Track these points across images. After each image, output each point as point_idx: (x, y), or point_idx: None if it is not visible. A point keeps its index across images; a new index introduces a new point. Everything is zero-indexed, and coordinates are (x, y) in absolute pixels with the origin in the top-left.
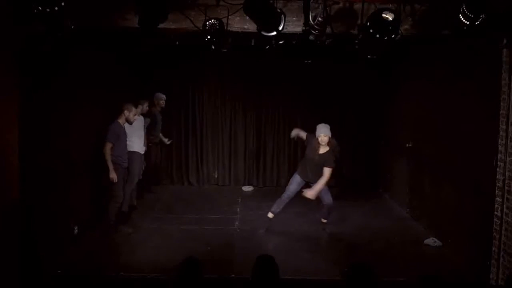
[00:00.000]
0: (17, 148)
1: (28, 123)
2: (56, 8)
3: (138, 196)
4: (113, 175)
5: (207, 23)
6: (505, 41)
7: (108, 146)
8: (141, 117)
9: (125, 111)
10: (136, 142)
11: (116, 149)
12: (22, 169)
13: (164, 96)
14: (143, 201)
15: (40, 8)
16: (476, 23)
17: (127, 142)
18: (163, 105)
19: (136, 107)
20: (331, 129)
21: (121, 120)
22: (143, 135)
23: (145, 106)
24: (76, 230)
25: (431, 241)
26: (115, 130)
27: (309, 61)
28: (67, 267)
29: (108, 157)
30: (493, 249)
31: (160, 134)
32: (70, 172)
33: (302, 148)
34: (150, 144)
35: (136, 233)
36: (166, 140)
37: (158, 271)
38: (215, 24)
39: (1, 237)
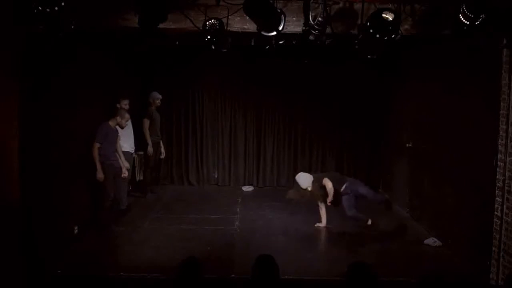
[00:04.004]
0: (17, 149)
1: (28, 123)
2: (56, 8)
3: (140, 196)
4: (100, 175)
5: (207, 23)
6: (505, 41)
7: (96, 146)
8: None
9: (118, 117)
10: (126, 142)
11: (104, 149)
12: (22, 170)
13: (160, 96)
14: (143, 201)
15: (40, 8)
16: (476, 23)
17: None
18: (159, 105)
19: (119, 102)
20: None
21: (112, 123)
22: (132, 134)
23: (123, 104)
24: (76, 230)
25: (431, 241)
26: (104, 131)
27: (306, 61)
28: (67, 267)
29: (96, 157)
30: (493, 249)
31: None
32: (70, 172)
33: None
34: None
35: (136, 233)
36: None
37: (158, 271)
38: (215, 24)
39: (1, 237)
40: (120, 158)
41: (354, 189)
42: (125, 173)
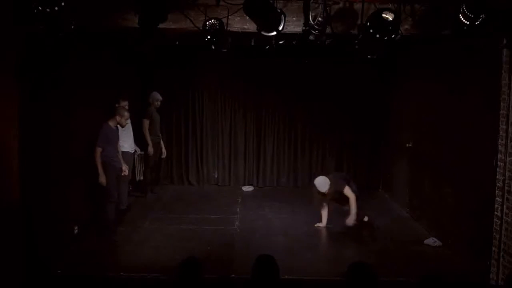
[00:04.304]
0: (17, 149)
1: (28, 123)
2: (56, 8)
3: (140, 196)
4: (102, 179)
5: (207, 23)
6: (505, 41)
7: (98, 150)
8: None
9: (117, 116)
10: (126, 142)
11: (107, 151)
12: (22, 170)
13: (161, 97)
14: (143, 201)
15: (40, 8)
16: (476, 23)
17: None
18: (158, 106)
19: (118, 103)
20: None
21: (112, 123)
22: (131, 134)
23: (123, 105)
24: (76, 230)
25: (431, 241)
26: (105, 134)
27: (306, 61)
28: (67, 267)
29: (98, 162)
30: (493, 249)
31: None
32: (70, 172)
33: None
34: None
35: (136, 233)
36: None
37: (158, 271)
38: (215, 24)
39: (1, 237)
40: (122, 159)
41: (354, 186)
42: (125, 171)
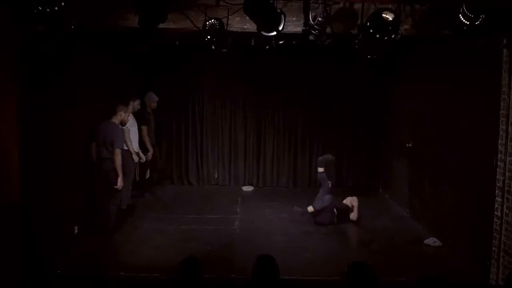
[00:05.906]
0: (17, 148)
1: (28, 123)
2: (56, 8)
3: (139, 196)
4: (121, 183)
5: (207, 23)
6: (505, 41)
7: (119, 152)
8: (132, 115)
9: (120, 113)
10: (133, 141)
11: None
12: (22, 169)
13: (157, 98)
14: (143, 201)
15: (40, 8)
16: (476, 23)
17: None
18: (155, 107)
19: (127, 105)
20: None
21: (116, 121)
22: (136, 133)
23: (136, 104)
24: (76, 230)
25: (431, 241)
26: (121, 135)
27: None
28: (67, 267)
29: (119, 165)
30: (493, 249)
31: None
32: (70, 172)
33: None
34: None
35: (136, 233)
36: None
37: (158, 271)
38: (215, 24)
39: (1, 237)
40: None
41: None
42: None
